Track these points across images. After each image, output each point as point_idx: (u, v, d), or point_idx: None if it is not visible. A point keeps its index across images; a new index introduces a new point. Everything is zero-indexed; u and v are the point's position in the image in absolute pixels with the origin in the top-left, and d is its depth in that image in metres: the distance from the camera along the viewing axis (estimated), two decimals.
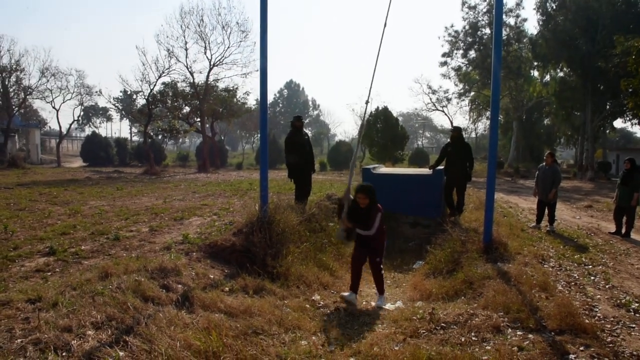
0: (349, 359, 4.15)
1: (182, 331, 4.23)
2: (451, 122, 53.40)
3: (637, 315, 5.53)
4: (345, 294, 6.41)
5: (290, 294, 6.13)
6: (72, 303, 4.53)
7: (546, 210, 11.48)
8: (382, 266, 6.68)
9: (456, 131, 11.10)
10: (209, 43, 40.05)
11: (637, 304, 5.84)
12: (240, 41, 56.85)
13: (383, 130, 37.92)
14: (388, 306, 6.17)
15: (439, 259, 7.74)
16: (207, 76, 40.39)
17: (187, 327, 4.37)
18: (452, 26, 49.26)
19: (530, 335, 4.63)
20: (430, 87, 56.80)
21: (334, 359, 4.14)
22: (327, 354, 4.28)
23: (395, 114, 41.02)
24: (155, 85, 37.80)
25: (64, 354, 3.67)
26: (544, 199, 11.39)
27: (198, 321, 4.54)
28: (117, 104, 62.29)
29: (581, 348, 4.40)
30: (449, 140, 11.36)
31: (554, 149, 46.08)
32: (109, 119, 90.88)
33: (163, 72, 37.96)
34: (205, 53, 47.08)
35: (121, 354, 3.75)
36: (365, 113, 8.06)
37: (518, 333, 4.71)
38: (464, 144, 10.87)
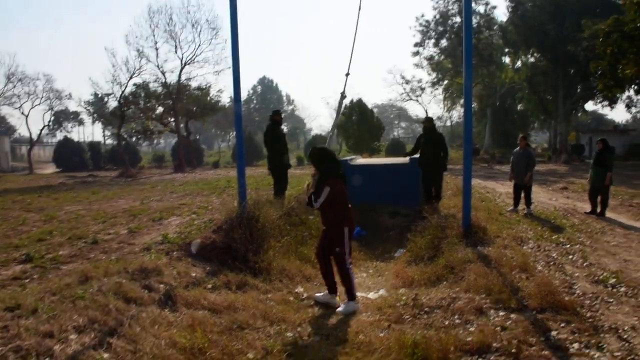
0: (335, 347, 4.17)
1: (167, 330, 4.20)
2: (426, 112, 53.90)
3: (615, 290, 5.65)
4: (319, 294, 5.92)
5: (273, 288, 6.13)
6: (52, 308, 4.45)
7: (522, 194, 11.64)
8: (349, 264, 5.68)
9: (428, 122, 11.19)
10: (179, 42, 39.58)
11: (614, 280, 5.97)
12: (211, 39, 56.13)
13: (359, 122, 38.01)
14: (371, 295, 6.18)
15: (420, 246, 7.80)
16: (179, 75, 39.98)
17: (171, 326, 4.34)
18: (422, 16, 49.70)
19: (512, 315, 4.71)
20: (403, 77, 57.05)
21: (320, 348, 4.15)
22: (313, 344, 4.29)
23: (370, 106, 41.24)
24: (126, 86, 37.31)
25: (46, 359, 3.62)
26: (519, 182, 11.54)
27: (182, 319, 4.52)
28: (88, 108, 61.16)
29: (562, 324, 4.49)
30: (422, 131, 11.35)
31: (527, 133, 46.74)
32: (80, 123, 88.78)
33: (134, 73, 37.39)
34: (176, 52, 46.69)
35: (105, 355, 3.71)
36: (345, 85, 7.97)
37: (500, 313, 4.78)
38: (436, 134, 10.94)
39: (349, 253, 5.69)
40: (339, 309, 5.48)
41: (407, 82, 54.73)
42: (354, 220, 5.78)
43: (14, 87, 45.47)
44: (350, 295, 5.58)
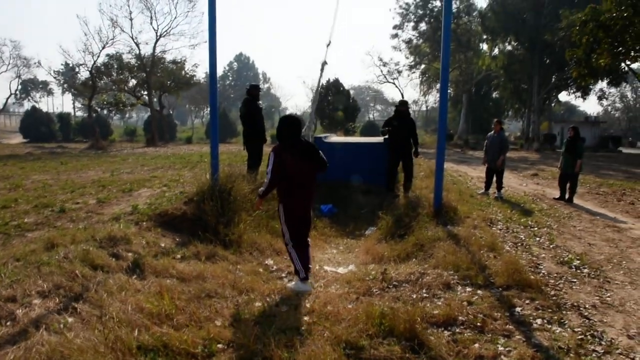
0: (303, 317, 4.18)
1: (134, 295, 4.16)
2: (402, 95, 53.82)
3: (578, 271, 5.81)
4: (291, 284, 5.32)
5: (243, 260, 6.11)
6: (15, 273, 4.39)
7: (494, 178, 11.79)
8: (288, 243, 5.40)
9: (403, 105, 10.77)
10: (154, 13, 39.38)
11: (578, 261, 6.14)
12: (188, 11, 55.50)
13: (334, 103, 37.91)
14: (341, 270, 6.20)
15: (391, 224, 7.85)
16: (154, 47, 39.24)
17: (139, 292, 4.30)
18: None
19: (479, 291, 4.79)
20: (381, 60, 56.86)
21: (288, 317, 4.16)
22: (281, 313, 4.30)
23: (346, 87, 41.10)
24: (98, 56, 36.45)
25: (8, 323, 3.57)
26: (492, 166, 11.69)
27: (150, 286, 4.47)
28: (58, 77, 59.57)
29: (527, 301, 4.60)
30: (393, 114, 10.94)
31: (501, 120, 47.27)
32: (49, 93, 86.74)
33: (107, 43, 36.51)
34: (151, 23, 46.31)
35: (70, 320, 3.67)
36: (326, 54, 7.87)
37: (467, 289, 4.85)
38: (410, 120, 10.61)
39: (286, 231, 5.38)
40: (288, 284, 5.32)
41: (385, 64, 54.27)
42: (297, 199, 5.35)
43: None
44: (297, 273, 5.26)
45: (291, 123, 5.30)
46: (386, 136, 10.68)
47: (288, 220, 5.36)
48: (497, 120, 12.32)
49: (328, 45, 8.09)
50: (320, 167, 5.36)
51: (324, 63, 8.37)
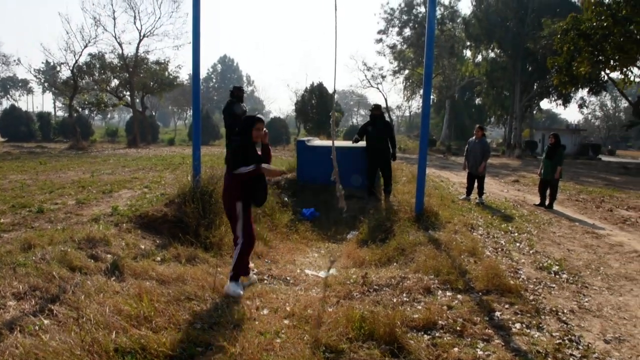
0: (283, 320, 4.16)
1: (112, 297, 4.10)
2: (385, 100, 53.95)
3: (557, 276, 5.88)
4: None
5: (224, 263, 6.06)
6: None
7: (476, 183, 11.88)
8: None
9: (377, 109, 10.63)
10: (138, 12, 39.01)
11: (557, 267, 6.21)
12: (172, 12, 55.12)
13: (318, 106, 37.92)
14: (321, 274, 6.19)
15: (372, 229, 7.87)
16: (137, 47, 38.90)
17: (117, 294, 4.24)
18: (387, 3, 50.16)
19: (459, 296, 4.82)
20: (365, 64, 57.17)
21: (268, 321, 4.14)
22: (260, 316, 4.27)
23: (330, 91, 41.07)
24: (80, 55, 36.02)
25: None
26: (473, 172, 11.76)
27: (128, 288, 4.42)
28: (38, 76, 58.61)
29: (506, 306, 4.63)
30: (368, 119, 10.76)
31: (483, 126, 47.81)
32: (29, 91, 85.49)
33: (89, 42, 36.26)
34: (134, 23, 45.78)
35: (46, 322, 3.62)
36: (334, 104, 7.95)
37: (447, 294, 4.88)
38: (385, 123, 10.57)
39: None
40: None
41: (369, 68, 54.33)
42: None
43: None
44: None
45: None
46: (357, 144, 10.52)
47: None
48: (479, 126, 12.39)
49: (333, 93, 8.50)
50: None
51: (333, 115, 8.62)
